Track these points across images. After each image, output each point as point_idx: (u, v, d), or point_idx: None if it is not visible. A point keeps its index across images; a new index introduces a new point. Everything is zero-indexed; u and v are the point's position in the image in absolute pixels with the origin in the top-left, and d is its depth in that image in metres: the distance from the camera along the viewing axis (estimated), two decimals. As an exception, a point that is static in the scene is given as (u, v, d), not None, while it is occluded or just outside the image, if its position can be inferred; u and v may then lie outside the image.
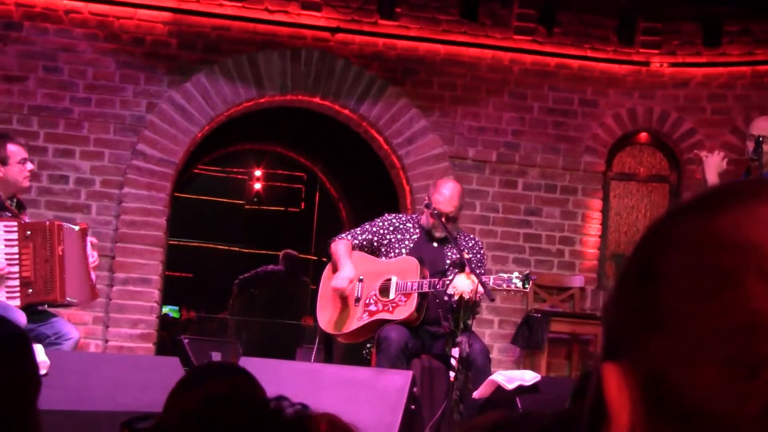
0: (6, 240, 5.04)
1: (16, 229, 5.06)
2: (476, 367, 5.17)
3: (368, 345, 5.55)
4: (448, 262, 5.56)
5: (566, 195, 7.77)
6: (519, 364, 7.28)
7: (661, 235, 0.68)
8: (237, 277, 10.12)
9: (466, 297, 5.06)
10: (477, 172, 7.66)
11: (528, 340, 7.19)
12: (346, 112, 7.57)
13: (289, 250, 9.96)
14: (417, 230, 5.75)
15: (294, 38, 7.48)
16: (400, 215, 5.98)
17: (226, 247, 13.00)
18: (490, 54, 7.74)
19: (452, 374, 5.02)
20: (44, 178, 6.97)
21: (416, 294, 5.45)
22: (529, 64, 7.79)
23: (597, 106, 7.87)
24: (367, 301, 5.60)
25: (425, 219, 5.74)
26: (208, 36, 7.34)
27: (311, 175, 11.28)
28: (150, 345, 7.09)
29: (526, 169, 7.74)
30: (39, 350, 4.07)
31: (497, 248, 7.56)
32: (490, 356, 5.53)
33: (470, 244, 5.71)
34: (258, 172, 12.88)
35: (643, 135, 8.06)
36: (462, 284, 5.08)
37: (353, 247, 5.74)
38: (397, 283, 5.52)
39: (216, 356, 7.10)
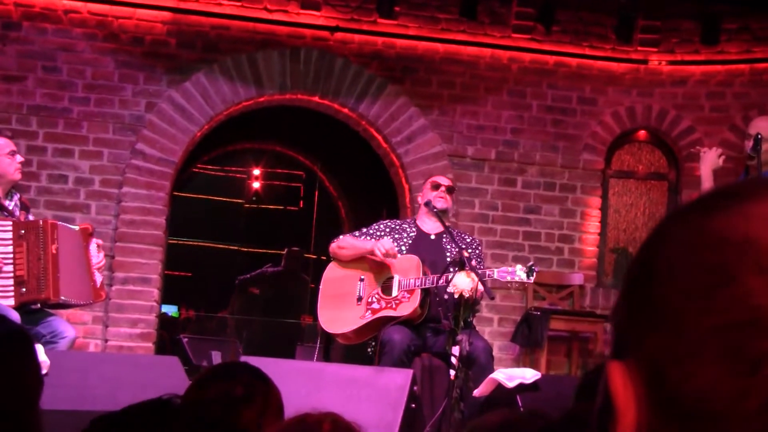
0: (0, 239, 5.04)
1: (10, 228, 5.06)
2: (479, 364, 5.18)
3: (373, 343, 5.55)
4: (447, 255, 5.58)
5: (565, 193, 7.78)
6: (519, 362, 7.29)
7: (662, 235, 0.69)
8: (236, 276, 10.12)
9: (466, 295, 5.06)
10: (476, 170, 7.67)
11: (527, 338, 7.20)
12: (346, 110, 7.58)
13: (294, 248, 9.96)
14: (413, 229, 5.77)
15: (293, 37, 7.48)
16: (395, 219, 6.06)
17: (225, 246, 13.00)
18: (489, 52, 7.74)
19: (453, 372, 5.02)
20: (43, 177, 6.97)
21: (419, 290, 5.46)
22: (528, 62, 7.80)
23: (596, 104, 7.87)
24: (370, 300, 5.61)
25: (421, 215, 5.81)
26: (207, 35, 7.34)
27: (310, 173, 11.29)
28: (149, 344, 7.09)
29: (525, 167, 7.74)
30: (39, 350, 4.07)
31: (497, 246, 7.57)
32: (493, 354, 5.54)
33: (468, 241, 5.73)
34: (257, 171, 12.89)
35: (642, 133, 8.06)
36: (462, 282, 5.08)
37: None
38: (399, 280, 5.54)
39: (216, 355, 7.10)
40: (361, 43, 7.59)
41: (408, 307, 5.47)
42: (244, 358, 4.84)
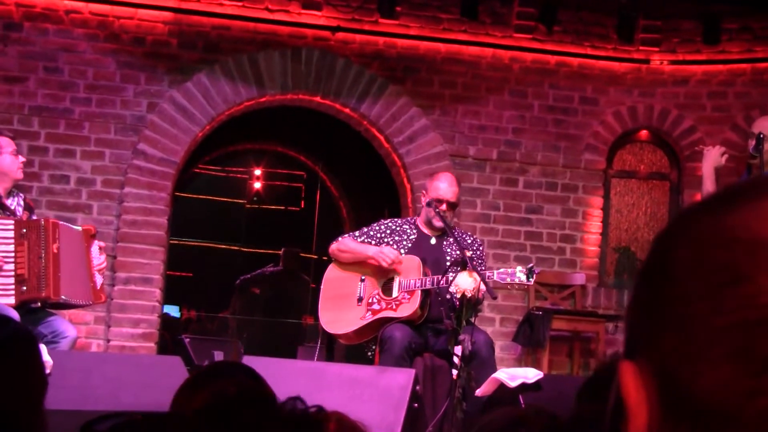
0: (1, 238, 5.05)
1: (12, 226, 5.08)
2: (480, 358, 5.18)
3: (372, 345, 5.55)
4: (448, 258, 5.57)
5: (567, 193, 7.78)
6: (521, 362, 7.29)
7: (672, 235, 0.69)
8: (237, 276, 10.12)
9: (469, 295, 5.06)
10: (478, 170, 7.67)
11: (529, 337, 7.19)
12: (347, 111, 7.58)
13: (290, 247, 9.96)
14: (414, 231, 5.75)
15: (294, 37, 7.48)
16: (396, 219, 5.99)
17: (227, 247, 13.00)
18: (491, 52, 7.74)
19: (455, 372, 5.02)
20: (45, 178, 6.98)
21: (419, 291, 5.45)
22: (530, 62, 7.79)
23: (597, 104, 7.87)
24: (370, 300, 5.60)
25: (423, 216, 5.75)
26: (208, 35, 7.34)
27: (311, 174, 11.28)
28: (152, 344, 7.10)
29: (527, 167, 7.74)
30: (43, 350, 4.07)
31: (498, 246, 7.57)
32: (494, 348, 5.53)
33: (469, 241, 5.71)
34: (258, 172, 12.88)
35: (644, 132, 8.06)
36: (464, 282, 5.08)
37: None
38: (399, 281, 5.53)
39: (218, 355, 7.09)
40: (363, 43, 7.58)
41: (408, 308, 5.47)
42: (246, 359, 4.84)
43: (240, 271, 10.24)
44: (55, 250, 5.13)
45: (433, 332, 5.52)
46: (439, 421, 5.04)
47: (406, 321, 5.45)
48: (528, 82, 7.78)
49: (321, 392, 4.48)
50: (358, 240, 5.75)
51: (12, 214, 5.24)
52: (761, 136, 5.47)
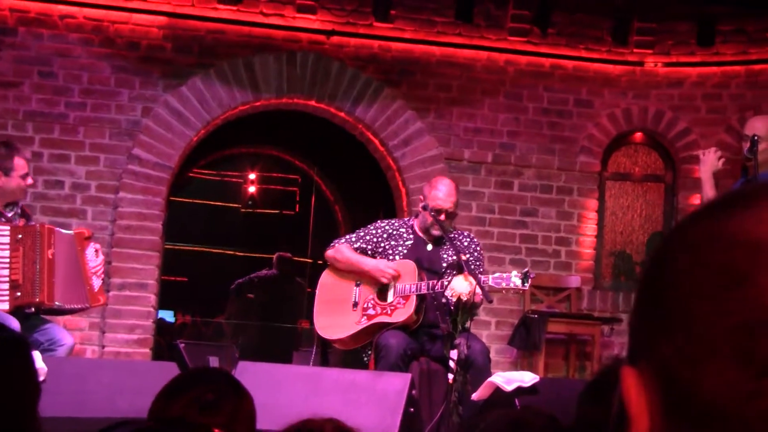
0: None
1: (8, 232, 5.10)
2: (476, 366, 5.18)
3: (368, 350, 5.54)
4: (444, 264, 5.55)
5: (562, 195, 7.78)
6: (517, 366, 7.28)
7: (674, 240, 0.69)
8: (232, 280, 10.10)
9: (464, 299, 5.06)
10: (473, 173, 7.67)
11: (525, 341, 7.19)
12: (342, 114, 7.57)
13: (282, 253, 9.96)
14: (411, 235, 5.73)
15: (289, 41, 7.48)
16: (393, 221, 5.95)
17: (222, 251, 12.98)
18: (485, 55, 7.74)
19: (451, 376, 5.01)
20: (40, 183, 6.96)
21: (415, 296, 5.44)
22: (524, 65, 7.80)
23: (592, 107, 7.88)
24: (365, 305, 5.59)
25: (421, 221, 5.72)
26: (203, 40, 7.33)
27: (306, 177, 11.28)
28: (147, 350, 7.08)
29: (522, 170, 7.74)
30: (37, 357, 4.06)
31: (494, 249, 7.56)
32: (490, 356, 5.53)
33: (466, 243, 5.69)
34: (253, 176, 12.87)
35: (638, 135, 8.07)
36: (460, 286, 5.08)
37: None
38: (395, 286, 5.52)
39: (213, 360, 7.08)
40: (357, 47, 7.58)
41: (403, 313, 5.46)
42: (241, 364, 4.83)
43: (235, 275, 10.23)
44: (50, 256, 5.13)
45: (429, 337, 5.51)
46: (435, 426, 5.04)
47: (402, 326, 5.44)
48: (523, 85, 7.79)
49: (317, 397, 4.48)
50: (354, 245, 5.72)
51: (9, 221, 5.24)
52: (755, 138, 5.47)
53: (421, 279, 5.46)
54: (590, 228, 7.81)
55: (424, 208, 5.62)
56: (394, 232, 5.74)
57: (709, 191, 5.69)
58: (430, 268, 5.55)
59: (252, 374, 4.64)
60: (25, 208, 5.59)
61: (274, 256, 9.91)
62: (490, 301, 5.35)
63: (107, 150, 7.12)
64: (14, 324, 4.81)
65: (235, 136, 8.74)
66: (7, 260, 5.05)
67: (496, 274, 5.31)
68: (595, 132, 7.86)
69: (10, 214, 5.29)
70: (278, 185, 12.94)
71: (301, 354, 8.02)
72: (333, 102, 7.50)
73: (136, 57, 7.23)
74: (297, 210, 12.74)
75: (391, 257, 5.65)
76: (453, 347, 5.05)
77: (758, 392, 0.61)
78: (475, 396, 4.84)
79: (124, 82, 7.19)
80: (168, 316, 11.45)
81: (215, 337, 10.66)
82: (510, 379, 4.75)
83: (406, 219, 6.03)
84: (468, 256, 5.48)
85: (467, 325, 5.17)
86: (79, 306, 5.42)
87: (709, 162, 5.71)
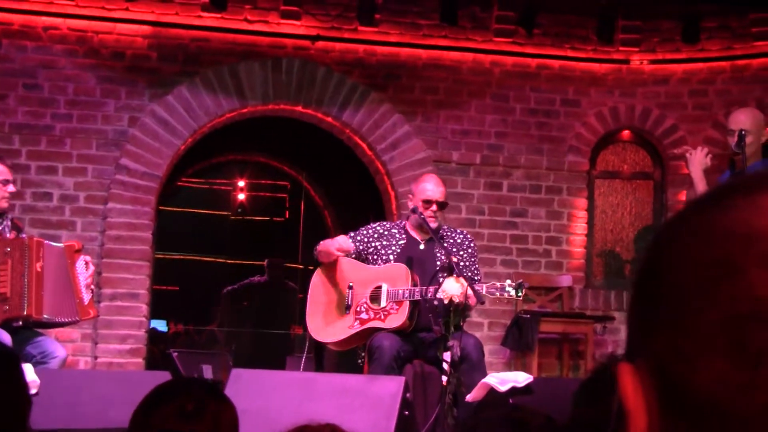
0: None
1: None
2: (471, 361, 5.18)
3: (362, 353, 5.53)
4: (438, 264, 5.54)
5: (551, 195, 7.79)
6: (510, 366, 7.28)
7: (665, 235, 0.69)
8: (224, 288, 10.09)
9: (456, 300, 5.06)
10: (461, 175, 7.67)
11: (518, 341, 7.19)
12: (329, 119, 7.57)
13: (273, 258, 9.96)
14: (403, 235, 5.74)
15: (274, 47, 7.47)
16: (384, 222, 5.96)
17: (212, 259, 12.96)
18: (471, 57, 7.75)
19: (445, 378, 5.01)
20: (28, 195, 6.94)
21: (408, 301, 5.43)
22: (510, 65, 7.81)
23: (579, 106, 7.89)
24: (358, 309, 5.58)
25: (412, 220, 5.74)
26: (188, 48, 7.32)
27: (295, 183, 11.26)
28: (140, 360, 7.06)
29: (511, 171, 7.75)
30: (28, 369, 4.04)
31: (484, 250, 7.56)
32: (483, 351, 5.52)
33: (459, 240, 5.70)
34: (242, 183, 12.85)
35: (626, 133, 8.09)
36: (451, 288, 5.08)
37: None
38: (388, 291, 5.50)
39: (207, 369, 7.07)
40: (343, 51, 7.58)
41: (397, 319, 5.45)
42: (235, 371, 4.82)
43: (227, 283, 10.22)
44: (39, 269, 5.11)
45: (423, 340, 5.51)
46: (430, 428, 5.03)
47: (395, 330, 5.44)
48: (509, 86, 7.79)
49: (311, 402, 4.47)
50: None
51: None
52: (743, 132, 5.48)
53: (413, 282, 5.45)
54: (580, 227, 7.82)
55: (413, 211, 5.63)
56: (386, 233, 5.74)
57: (702, 190, 5.69)
58: (422, 269, 5.54)
59: (246, 381, 4.63)
60: (17, 221, 5.56)
61: (266, 262, 9.91)
62: (482, 303, 5.35)
63: (95, 161, 7.10)
64: (5, 338, 4.79)
65: (222, 143, 8.73)
66: None
67: (490, 283, 5.31)
68: (582, 131, 7.88)
69: (0, 226, 5.27)
70: (267, 192, 12.92)
71: (295, 359, 8.01)
72: (320, 107, 7.50)
73: (122, 67, 7.21)
74: (287, 216, 12.73)
75: (383, 258, 5.65)
76: (446, 349, 5.05)
77: (752, 384, 0.61)
78: (469, 397, 4.84)
79: (109, 93, 7.17)
80: (160, 325, 11.41)
81: (208, 344, 10.64)
82: (504, 379, 4.74)
83: (398, 221, 6.04)
84: (462, 253, 5.50)
85: (461, 325, 5.18)
86: (69, 319, 5.39)
87: (698, 161, 5.71)
